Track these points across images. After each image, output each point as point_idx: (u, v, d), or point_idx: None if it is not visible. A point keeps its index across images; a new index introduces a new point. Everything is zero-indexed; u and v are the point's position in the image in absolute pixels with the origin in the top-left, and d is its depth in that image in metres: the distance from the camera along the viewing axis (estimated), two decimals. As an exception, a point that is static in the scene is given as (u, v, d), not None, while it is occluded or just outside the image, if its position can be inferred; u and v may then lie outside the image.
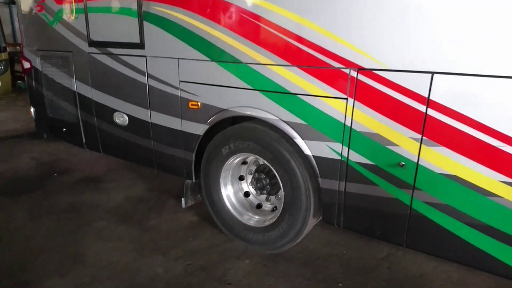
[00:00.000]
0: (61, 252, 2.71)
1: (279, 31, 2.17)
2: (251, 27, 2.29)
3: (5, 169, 4.34)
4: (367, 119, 2.00)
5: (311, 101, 2.16)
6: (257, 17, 2.25)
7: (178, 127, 2.91)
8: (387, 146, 1.97)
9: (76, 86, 3.59)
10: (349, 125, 2.06)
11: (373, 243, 2.86)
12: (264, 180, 2.69)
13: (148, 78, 2.95)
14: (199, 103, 2.71)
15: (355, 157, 2.10)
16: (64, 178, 4.10)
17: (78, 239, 2.87)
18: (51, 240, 2.87)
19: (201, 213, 3.25)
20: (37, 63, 3.93)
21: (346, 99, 2.03)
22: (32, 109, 4.33)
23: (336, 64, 2.02)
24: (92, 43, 3.27)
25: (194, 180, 3.02)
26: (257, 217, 2.75)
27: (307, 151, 2.27)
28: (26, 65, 4.10)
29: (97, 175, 4.21)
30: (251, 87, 2.40)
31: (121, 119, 3.29)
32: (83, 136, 3.77)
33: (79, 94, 3.59)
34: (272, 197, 2.79)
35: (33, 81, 4.10)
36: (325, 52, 2.04)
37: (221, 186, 2.81)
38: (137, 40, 2.91)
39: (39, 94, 4.06)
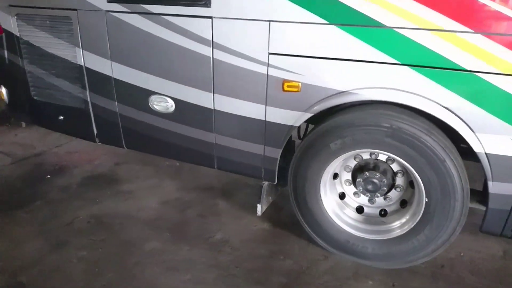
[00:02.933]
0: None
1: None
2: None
3: (-29, 172, 3.23)
4: None
5: (500, 82, 1.61)
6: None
7: (260, 116, 2.18)
8: None
9: (83, 58, 2.58)
10: (557, 114, 1.57)
11: (479, 239, 2.51)
12: (379, 181, 2.13)
13: (214, 50, 2.13)
14: (299, 84, 2.00)
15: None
16: (62, 180, 3.14)
17: (137, 273, 2.10)
18: (98, 278, 2.06)
19: (271, 218, 2.63)
20: (11, 25, 2.78)
21: (560, 79, 1.52)
22: (3, 89, 3.17)
23: (555, 32, 1.48)
24: (115, -3, 2.30)
25: (275, 182, 2.37)
26: (376, 227, 2.21)
27: (478, 147, 1.74)
28: (-9, 27, 2.92)
29: (104, 172, 3.30)
30: (396, 61, 1.76)
31: (163, 104, 2.44)
32: (94, 127, 2.82)
33: (88, 69, 2.61)
34: (379, 199, 2.26)
35: (5, 51, 2.94)
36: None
37: (320, 191, 2.19)
38: (199, -7, 2.05)
39: (15, 68, 2.93)
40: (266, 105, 2.14)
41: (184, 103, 2.38)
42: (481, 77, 1.63)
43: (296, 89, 2.01)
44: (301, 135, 2.55)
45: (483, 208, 1.99)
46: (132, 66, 2.44)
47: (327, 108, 1.99)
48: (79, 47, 2.56)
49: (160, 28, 2.23)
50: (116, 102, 2.62)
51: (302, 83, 1.99)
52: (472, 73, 1.64)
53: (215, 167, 2.51)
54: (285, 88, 2.04)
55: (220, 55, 2.14)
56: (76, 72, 2.66)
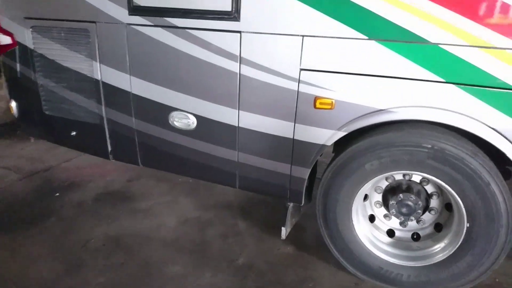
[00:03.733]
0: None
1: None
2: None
3: (-23, 188, 3.11)
4: None
5: (555, 102, 1.52)
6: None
7: (287, 134, 2.08)
8: None
9: (100, 73, 2.49)
10: None
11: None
12: (414, 203, 2.02)
13: (242, 65, 2.04)
14: (333, 101, 1.90)
15: None
16: (74, 196, 3.02)
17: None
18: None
19: (294, 240, 2.49)
20: (26, 38, 2.70)
21: None
22: (13, 103, 3.08)
23: None
24: (137, 10, 2.20)
25: (302, 204, 2.25)
26: (412, 252, 2.09)
27: (529, 170, 1.65)
28: (5, 40, 2.81)
29: (117, 189, 3.18)
30: (441, 79, 1.67)
31: (184, 121, 2.34)
32: (108, 143, 2.71)
33: (105, 84, 2.51)
34: (411, 222, 2.14)
35: (17, 64, 2.84)
36: None
37: (352, 214, 2.07)
38: (227, 7, 1.96)
39: (28, 82, 2.83)
40: (295, 123, 2.03)
41: (206, 120, 2.27)
42: (534, 96, 1.54)
43: (329, 106, 1.92)
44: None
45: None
46: (153, 81, 2.34)
47: (363, 126, 1.90)
48: (96, 60, 2.47)
49: (185, 42, 2.14)
50: (134, 118, 2.52)
51: (336, 100, 1.89)
52: (525, 92, 1.55)
53: (237, 187, 2.39)
54: (317, 105, 1.94)
55: (247, 71, 2.04)
56: (92, 87, 2.56)
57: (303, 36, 1.86)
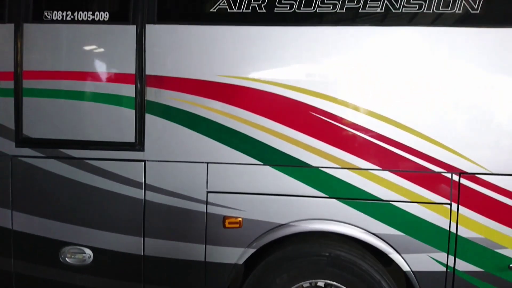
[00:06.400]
0: None
1: (368, 134, 1.93)
2: (328, 129, 1.95)
3: None
4: (473, 224, 1.92)
5: (409, 208, 1.93)
6: (337, 119, 1.94)
7: (199, 257, 2.05)
8: (496, 250, 1.92)
9: (-30, 208, 2.13)
10: (454, 231, 1.92)
11: None
12: (325, 308, 2.14)
13: (146, 191, 2.04)
14: (241, 220, 2.01)
15: (462, 265, 1.94)
16: None
17: None
18: None
19: None
20: None
21: (450, 204, 1.92)
22: None
23: (437, 169, 1.91)
24: (27, 142, 2.07)
25: (220, 330, 2.12)
26: None
27: (405, 267, 1.96)
28: None
29: None
30: (325, 195, 1.97)
31: (78, 256, 2.09)
32: (-28, 293, 2.17)
33: (-24, 221, 2.13)
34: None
35: None
36: (424, 156, 1.91)
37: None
38: (131, 139, 2.02)
39: None
40: (206, 245, 2.04)
41: (105, 252, 2.09)
42: (395, 205, 1.95)
43: (237, 225, 2.01)
44: None
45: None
46: (41, 215, 2.11)
47: (270, 241, 2.02)
48: (-33, 195, 2.13)
49: (82, 173, 2.06)
50: (12, 259, 2.13)
51: (244, 219, 2.01)
52: (387, 202, 1.95)
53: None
54: (227, 225, 2.01)
55: (152, 197, 2.05)
56: (-43, 226, 2.14)
57: (207, 162, 2.02)
